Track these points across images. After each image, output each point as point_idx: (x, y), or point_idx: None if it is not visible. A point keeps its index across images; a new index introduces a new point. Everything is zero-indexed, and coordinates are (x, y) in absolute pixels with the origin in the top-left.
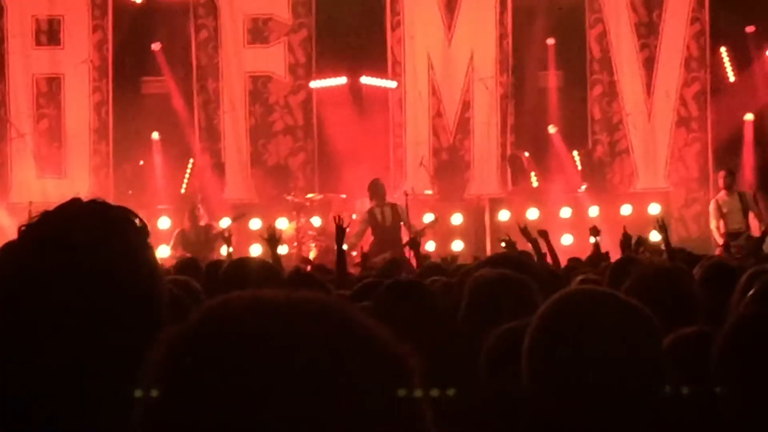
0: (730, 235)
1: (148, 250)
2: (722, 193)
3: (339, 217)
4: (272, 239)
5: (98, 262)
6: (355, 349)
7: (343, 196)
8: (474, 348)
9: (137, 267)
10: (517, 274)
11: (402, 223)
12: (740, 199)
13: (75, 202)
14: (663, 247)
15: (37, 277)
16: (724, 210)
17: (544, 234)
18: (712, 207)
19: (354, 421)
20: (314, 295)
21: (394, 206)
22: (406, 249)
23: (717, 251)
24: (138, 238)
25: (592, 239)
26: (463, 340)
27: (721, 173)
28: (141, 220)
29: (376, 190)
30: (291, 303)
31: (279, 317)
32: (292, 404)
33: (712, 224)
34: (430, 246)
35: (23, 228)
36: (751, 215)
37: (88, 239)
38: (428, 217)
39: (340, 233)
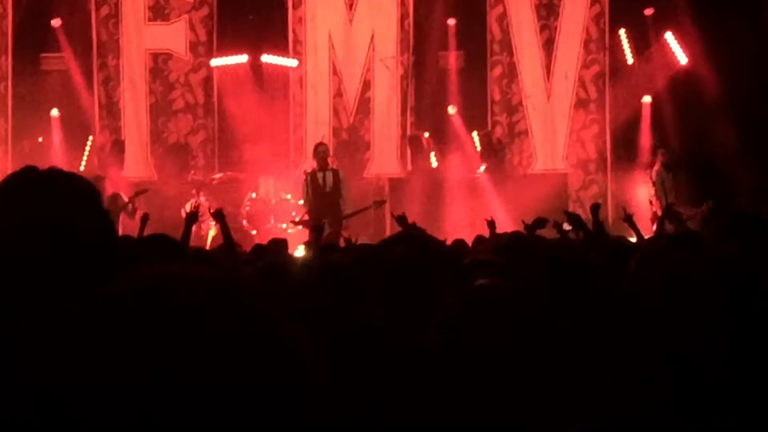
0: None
1: (101, 212)
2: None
3: (197, 205)
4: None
5: (51, 227)
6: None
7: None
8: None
9: (89, 229)
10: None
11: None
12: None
13: (29, 170)
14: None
15: None
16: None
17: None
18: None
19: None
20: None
21: (336, 172)
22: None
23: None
24: (90, 202)
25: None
26: None
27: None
28: (92, 185)
29: (318, 152)
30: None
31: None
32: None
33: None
34: None
35: None
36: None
37: (40, 207)
38: None
39: (220, 217)
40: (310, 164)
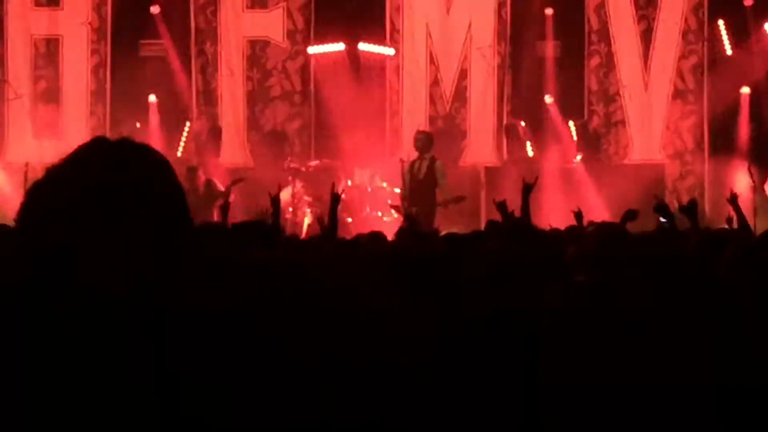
0: None
1: (173, 185)
2: None
3: (335, 184)
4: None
5: (123, 196)
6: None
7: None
8: None
9: (160, 200)
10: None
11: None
12: None
13: (100, 140)
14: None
15: (64, 212)
16: None
17: (527, 188)
18: None
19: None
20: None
21: (433, 161)
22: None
23: None
24: (162, 172)
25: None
26: None
27: None
28: (163, 156)
29: (416, 140)
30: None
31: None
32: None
33: (767, 189)
34: None
35: (51, 168)
36: None
37: (113, 176)
38: None
39: (335, 201)
40: (407, 152)
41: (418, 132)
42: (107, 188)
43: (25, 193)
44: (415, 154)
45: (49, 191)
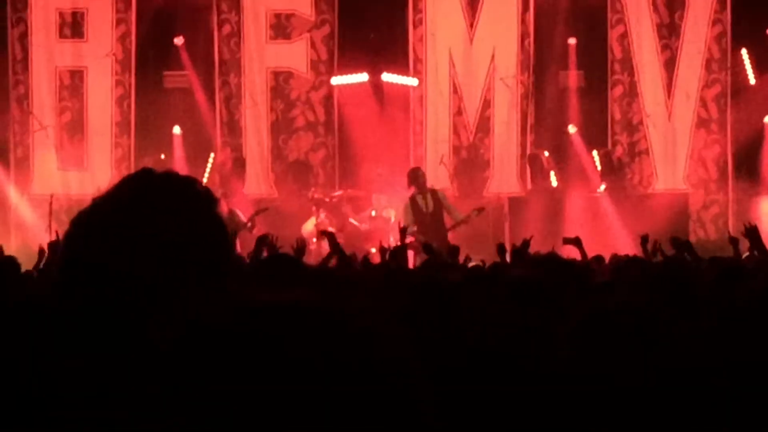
0: None
1: (216, 218)
2: None
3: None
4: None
5: (166, 229)
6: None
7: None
8: None
9: (204, 234)
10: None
11: (445, 210)
12: None
13: (145, 172)
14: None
15: (107, 243)
16: None
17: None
18: None
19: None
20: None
21: (434, 192)
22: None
23: None
24: (206, 206)
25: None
26: None
27: None
28: (210, 190)
29: (416, 177)
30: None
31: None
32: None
33: None
34: None
35: (96, 199)
36: None
37: (157, 208)
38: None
39: (333, 241)
40: (430, 182)
41: (416, 168)
42: (154, 221)
43: (70, 223)
44: (435, 184)
45: (95, 222)
